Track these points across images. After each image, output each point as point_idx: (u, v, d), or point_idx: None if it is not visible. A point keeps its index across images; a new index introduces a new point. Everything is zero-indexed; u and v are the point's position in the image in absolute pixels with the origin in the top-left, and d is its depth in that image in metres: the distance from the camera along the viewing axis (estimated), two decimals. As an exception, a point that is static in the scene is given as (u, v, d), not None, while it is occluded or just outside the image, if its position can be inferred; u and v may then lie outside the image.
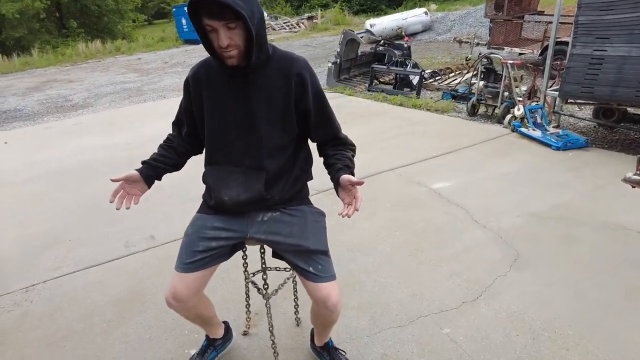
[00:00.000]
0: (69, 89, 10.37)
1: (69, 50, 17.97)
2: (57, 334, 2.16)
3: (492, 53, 6.09)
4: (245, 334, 2.06)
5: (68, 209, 3.55)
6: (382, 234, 2.83)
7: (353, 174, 1.43)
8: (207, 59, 1.47)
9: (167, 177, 1.62)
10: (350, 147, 1.56)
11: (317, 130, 1.53)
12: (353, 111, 6.03)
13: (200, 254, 1.48)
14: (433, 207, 3.14)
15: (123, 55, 17.43)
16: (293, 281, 1.99)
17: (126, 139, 5.53)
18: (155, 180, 1.56)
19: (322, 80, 8.24)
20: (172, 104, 7.44)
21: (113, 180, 1.45)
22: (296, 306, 2.07)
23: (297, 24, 19.84)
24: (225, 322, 1.92)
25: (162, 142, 1.62)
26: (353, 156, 1.54)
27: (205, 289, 1.61)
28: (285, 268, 1.84)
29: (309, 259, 1.47)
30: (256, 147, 1.46)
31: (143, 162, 1.54)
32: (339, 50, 7.78)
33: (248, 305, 1.98)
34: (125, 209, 1.46)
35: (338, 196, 1.45)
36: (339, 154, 1.51)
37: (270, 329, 1.74)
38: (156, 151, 1.59)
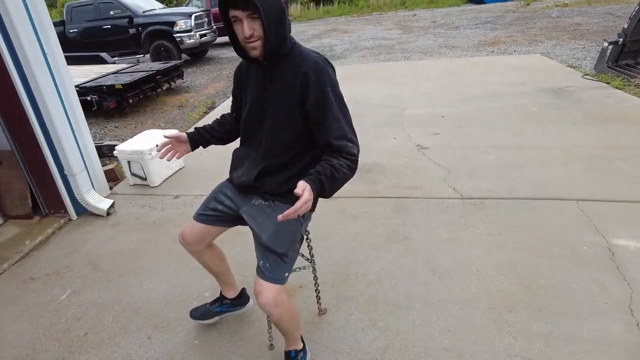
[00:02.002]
0: (338, 39, 11.79)
1: (361, 1, 20.02)
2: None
3: None
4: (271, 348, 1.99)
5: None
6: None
7: (322, 182, 1.32)
8: None
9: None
10: (345, 155, 1.40)
11: (316, 133, 1.47)
12: (598, 110, 4.62)
13: (209, 210, 1.72)
14: (595, 270, 2.24)
15: (405, 9, 18.18)
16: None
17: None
18: (200, 147, 1.79)
19: (590, 64, 6.52)
20: (404, 69, 7.63)
21: (165, 137, 1.75)
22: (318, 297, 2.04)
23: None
24: (242, 289, 2.08)
25: (218, 117, 1.87)
26: (341, 166, 1.37)
27: (216, 245, 1.89)
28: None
29: (263, 254, 1.52)
30: (263, 140, 1.57)
31: (195, 128, 1.79)
32: (626, 25, 5.89)
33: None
34: (167, 160, 1.75)
35: None
36: (325, 160, 1.39)
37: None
38: (210, 123, 1.82)
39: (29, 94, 2.88)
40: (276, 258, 1.51)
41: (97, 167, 3.54)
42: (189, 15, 9.58)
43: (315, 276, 2.03)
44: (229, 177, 1.75)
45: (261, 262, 1.51)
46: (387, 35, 11.61)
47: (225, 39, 12.72)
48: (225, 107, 6.35)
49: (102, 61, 8.49)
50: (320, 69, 1.42)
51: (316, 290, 2.08)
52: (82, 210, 3.32)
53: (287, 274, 1.53)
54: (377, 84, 6.59)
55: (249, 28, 1.33)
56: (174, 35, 9.43)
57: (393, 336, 1.96)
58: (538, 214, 2.80)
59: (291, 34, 1.46)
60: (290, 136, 1.51)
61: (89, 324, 2.22)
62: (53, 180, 3.13)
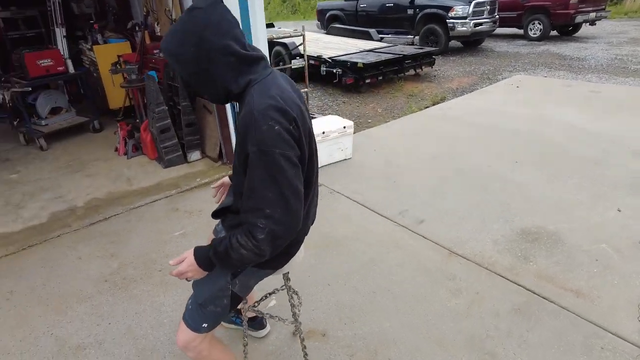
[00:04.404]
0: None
1: None
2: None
3: None
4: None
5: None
6: None
7: (210, 259, 1.25)
8: None
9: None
10: (250, 237, 1.15)
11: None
12: None
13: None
14: None
15: None
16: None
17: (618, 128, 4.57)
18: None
19: None
20: None
21: (213, 188, 1.73)
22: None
23: None
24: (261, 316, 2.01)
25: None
26: (242, 247, 1.16)
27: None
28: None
29: (192, 293, 1.46)
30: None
31: None
32: None
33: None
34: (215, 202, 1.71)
35: None
36: (232, 233, 1.20)
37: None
38: None
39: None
40: (194, 303, 1.40)
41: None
42: (469, 1, 9.00)
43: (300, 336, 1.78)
44: None
45: (189, 300, 1.44)
46: None
47: (507, 30, 11.40)
48: (451, 104, 5.87)
49: (370, 37, 9.15)
50: (250, 123, 1.13)
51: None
52: (245, 169, 3.88)
53: (205, 325, 1.40)
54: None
55: None
56: (447, 20, 9.12)
57: None
58: None
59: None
60: (242, 181, 1.30)
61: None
62: (230, 138, 3.75)
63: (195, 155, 4.17)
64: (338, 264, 2.63)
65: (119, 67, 4.38)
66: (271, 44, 7.90)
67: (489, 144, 4.36)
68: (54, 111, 4.83)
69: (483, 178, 3.64)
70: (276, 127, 1.12)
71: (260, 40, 3.55)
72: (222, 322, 2.00)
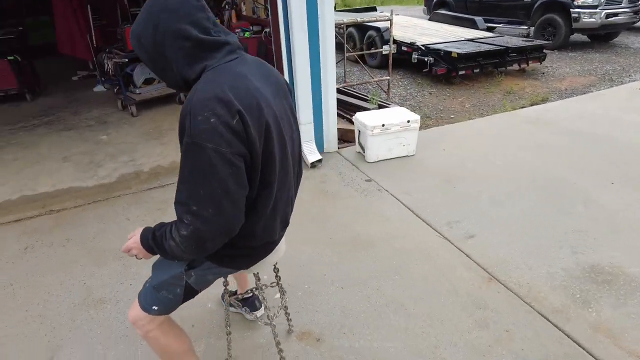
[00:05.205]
0: None
1: None
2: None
3: None
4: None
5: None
6: None
7: (150, 246, 1.21)
8: None
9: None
10: (177, 230, 1.10)
11: None
12: None
13: None
14: None
15: None
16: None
17: None
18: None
19: None
20: None
21: None
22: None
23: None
24: (254, 295, 2.01)
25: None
26: (171, 238, 1.12)
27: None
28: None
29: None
30: None
31: None
32: None
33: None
34: None
35: None
36: (171, 222, 1.16)
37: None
38: None
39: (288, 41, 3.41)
40: (151, 286, 1.38)
41: (332, 124, 3.88)
42: (604, -13, 7.67)
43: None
44: None
45: (148, 279, 1.43)
46: None
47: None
48: (550, 107, 5.12)
49: (475, 26, 8.36)
50: (186, 112, 1.05)
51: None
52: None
53: (155, 307, 1.38)
54: None
55: None
56: (571, 10, 7.91)
57: None
58: None
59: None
60: None
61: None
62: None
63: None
64: (358, 267, 2.45)
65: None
66: (365, 27, 7.71)
67: (584, 156, 3.69)
68: (147, 81, 5.31)
69: (563, 196, 3.09)
70: (212, 120, 1.02)
71: (327, 22, 3.43)
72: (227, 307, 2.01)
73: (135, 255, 1.28)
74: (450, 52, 6.21)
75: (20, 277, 2.53)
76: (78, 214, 3.15)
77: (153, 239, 1.18)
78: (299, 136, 1.43)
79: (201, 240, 1.07)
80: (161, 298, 1.36)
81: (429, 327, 2.03)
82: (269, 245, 1.40)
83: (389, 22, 5.32)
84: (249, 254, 1.35)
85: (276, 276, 1.77)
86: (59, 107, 5.60)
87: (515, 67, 6.81)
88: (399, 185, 3.32)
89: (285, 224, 1.42)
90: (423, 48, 6.64)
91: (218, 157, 1.02)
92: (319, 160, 3.70)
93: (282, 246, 1.51)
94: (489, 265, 2.42)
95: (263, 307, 2.09)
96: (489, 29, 8.93)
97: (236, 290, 2.07)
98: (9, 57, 5.52)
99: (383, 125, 3.61)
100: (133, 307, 1.40)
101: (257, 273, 1.58)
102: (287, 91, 1.33)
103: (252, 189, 1.16)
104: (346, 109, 4.84)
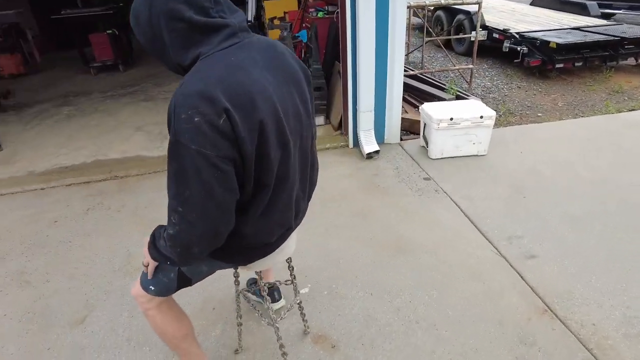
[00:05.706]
0: None
1: None
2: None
3: None
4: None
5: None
6: None
7: (149, 243, 1.24)
8: None
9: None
10: (166, 232, 1.08)
11: None
12: None
13: None
14: None
15: None
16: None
17: None
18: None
19: None
20: None
21: None
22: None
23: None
24: (275, 284, 1.93)
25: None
26: (164, 240, 1.15)
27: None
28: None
29: None
30: None
31: None
32: None
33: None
34: None
35: None
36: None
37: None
38: None
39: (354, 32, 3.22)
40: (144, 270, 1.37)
41: (395, 113, 3.63)
42: None
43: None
44: None
45: None
46: None
47: None
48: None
49: (585, 12, 7.29)
50: (171, 108, 0.94)
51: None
52: (357, 144, 3.65)
53: (152, 287, 1.35)
54: None
55: None
56: None
57: None
58: None
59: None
60: None
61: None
62: (347, 108, 3.56)
63: (318, 120, 4.12)
64: (394, 274, 2.25)
65: (274, 23, 4.57)
66: (454, 10, 7.12)
67: (701, 177, 3.02)
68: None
69: (661, 223, 2.56)
70: (196, 119, 0.91)
71: (397, 2, 3.16)
72: (248, 295, 1.97)
73: (142, 262, 1.29)
74: (548, 42, 5.48)
75: (78, 235, 2.74)
76: (138, 182, 3.33)
77: (152, 240, 1.21)
78: (314, 131, 1.28)
79: (189, 245, 1.03)
80: (157, 280, 1.34)
81: (459, 355, 1.79)
82: (267, 247, 1.29)
83: (477, 5, 4.81)
84: (241, 252, 1.27)
85: (291, 274, 1.67)
86: (145, 78, 5.99)
87: (631, 61, 5.83)
88: (459, 188, 3.01)
89: (286, 227, 1.29)
90: (517, 36, 5.95)
91: (202, 160, 0.93)
92: (376, 152, 3.49)
93: (287, 247, 1.39)
94: (547, 293, 2.07)
95: (282, 301, 2.02)
96: (605, 16, 7.74)
97: (255, 280, 2.01)
98: (107, 31, 6.00)
99: (451, 119, 3.28)
100: (134, 286, 1.40)
101: (260, 272, 1.48)
102: (301, 79, 1.17)
103: (244, 192, 1.07)
104: (421, 98, 4.52)
